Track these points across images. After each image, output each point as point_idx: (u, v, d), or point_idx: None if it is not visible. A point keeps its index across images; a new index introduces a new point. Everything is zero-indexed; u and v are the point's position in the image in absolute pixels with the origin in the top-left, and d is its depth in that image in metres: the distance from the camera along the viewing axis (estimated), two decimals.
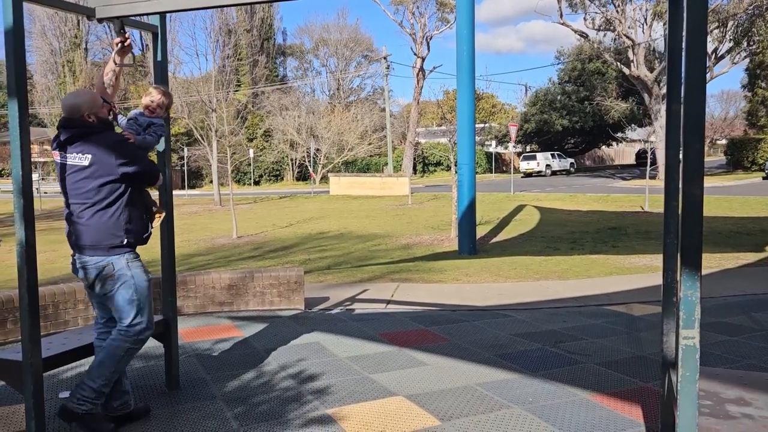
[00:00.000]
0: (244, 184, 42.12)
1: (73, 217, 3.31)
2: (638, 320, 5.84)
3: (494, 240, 12.65)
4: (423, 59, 35.73)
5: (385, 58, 40.24)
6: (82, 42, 45.51)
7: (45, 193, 34.87)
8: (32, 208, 3.14)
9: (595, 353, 4.78)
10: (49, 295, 5.39)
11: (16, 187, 3.08)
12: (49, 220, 21.54)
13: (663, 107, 28.62)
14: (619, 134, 38.76)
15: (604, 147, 53.84)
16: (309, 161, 38.75)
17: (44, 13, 42.55)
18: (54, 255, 12.57)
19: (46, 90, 44.42)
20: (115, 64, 3.52)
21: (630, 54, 29.81)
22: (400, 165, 40.19)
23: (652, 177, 19.66)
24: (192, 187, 40.18)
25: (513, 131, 28.76)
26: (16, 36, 2.99)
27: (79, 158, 3.24)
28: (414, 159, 40.74)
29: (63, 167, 3.28)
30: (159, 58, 3.94)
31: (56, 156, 3.32)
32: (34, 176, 38.18)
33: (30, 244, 3.09)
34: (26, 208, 3.08)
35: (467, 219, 10.83)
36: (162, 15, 3.84)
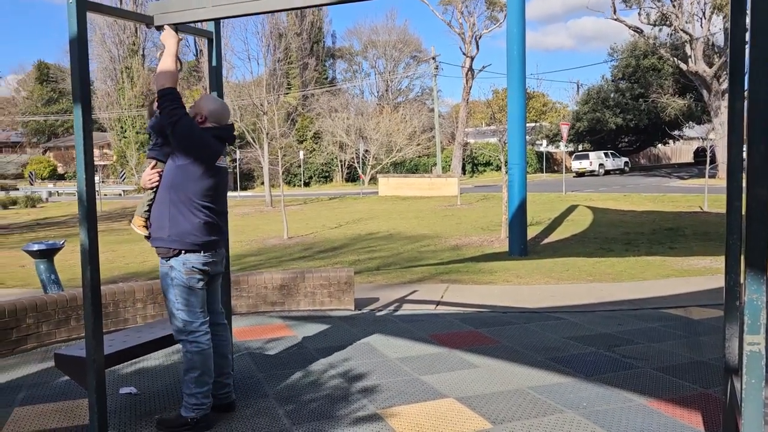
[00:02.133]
0: (295, 185, 42.70)
1: (223, 216, 3.61)
2: (697, 324, 5.64)
3: (546, 241, 12.45)
4: (472, 59, 35.48)
5: (433, 58, 40.14)
6: (139, 49, 47.07)
7: (105, 195, 36.22)
8: (95, 212, 3.27)
9: (652, 358, 4.64)
10: (110, 294, 5.58)
11: (79, 191, 3.20)
12: (108, 221, 22.35)
13: (723, 103, 27.60)
14: (676, 132, 37.52)
15: (660, 145, 52.23)
16: (358, 162, 38.99)
17: (104, 22, 44.16)
18: (113, 255, 13.04)
19: (105, 96, 46.08)
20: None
21: (687, 49, 28.86)
22: (449, 165, 40.00)
23: (712, 176, 18.96)
24: (244, 188, 40.98)
25: (564, 130, 28.21)
26: (80, 44, 3.12)
27: (223, 160, 3.57)
28: (463, 159, 40.49)
29: (219, 169, 3.51)
30: (214, 63, 4.04)
31: (221, 159, 3.54)
32: (95, 179, 39.69)
33: (92, 245, 3.20)
34: (89, 211, 3.20)
35: (518, 219, 10.69)
36: (216, 21, 3.94)
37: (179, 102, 3.38)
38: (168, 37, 3.51)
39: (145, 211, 3.56)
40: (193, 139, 3.37)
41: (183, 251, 3.38)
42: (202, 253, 3.43)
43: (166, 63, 3.46)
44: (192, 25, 3.76)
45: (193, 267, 3.40)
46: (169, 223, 3.38)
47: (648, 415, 3.56)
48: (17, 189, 40.98)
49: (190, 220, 3.38)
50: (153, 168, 3.57)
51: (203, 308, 3.49)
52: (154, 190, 3.53)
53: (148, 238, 3.54)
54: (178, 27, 3.60)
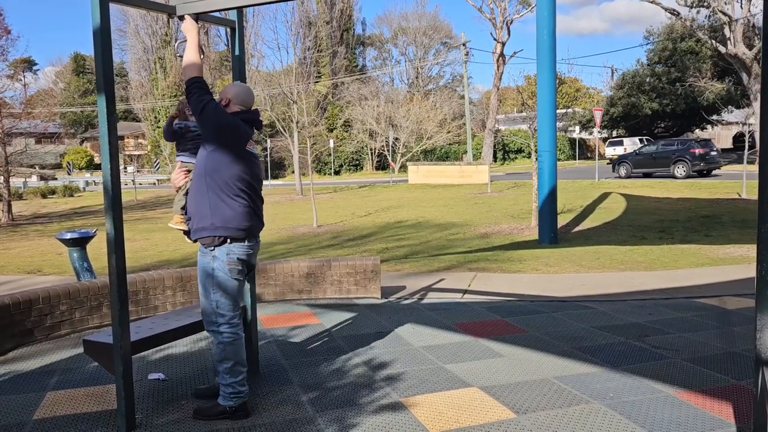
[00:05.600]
0: (325, 174, 42.88)
1: (260, 202, 3.57)
2: (732, 314, 5.50)
3: (577, 229, 12.27)
4: (503, 44, 34.96)
5: (464, 44, 39.70)
6: (171, 39, 47.58)
7: (140, 184, 36.89)
8: (120, 201, 3.31)
9: (683, 348, 4.54)
10: (140, 282, 5.68)
11: (104, 181, 3.24)
12: (143, 210, 22.79)
13: None
14: (714, 117, 36.48)
15: (697, 131, 50.89)
16: (388, 150, 38.93)
17: (137, 14, 44.77)
18: (147, 243, 13.28)
19: (139, 86, 46.82)
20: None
21: (726, 31, 27.96)
22: (480, 153, 39.64)
23: (751, 162, 18.34)
24: (275, 177, 41.32)
25: (598, 116, 27.68)
26: (103, 35, 3.14)
27: (253, 147, 3.58)
28: (494, 146, 40.03)
29: (251, 154, 3.53)
30: (237, 52, 4.04)
31: (251, 145, 3.56)
32: (130, 168, 40.45)
33: (118, 234, 3.25)
34: (114, 201, 3.24)
35: (548, 207, 10.55)
36: (239, 10, 3.94)
37: (206, 89, 3.41)
38: (189, 27, 3.53)
39: (182, 208, 3.60)
40: (221, 121, 3.38)
41: (228, 239, 3.37)
42: (246, 242, 3.44)
43: (190, 54, 3.48)
44: (215, 14, 3.77)
45: (237, 258, 3.42)
46: (210, 211, 3.36)
47: (676, 406, 3.49)
48: (56, 179, 41.99)
49: (232, 206, 3.37)
50: (181, 169, 3.64)
51: (237, 300, 3.53)
52: (185, 188, 3.59)
53: (187, 234, 3.58)
54: (199, 16, 3.61)
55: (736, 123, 43.66)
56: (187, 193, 3.57)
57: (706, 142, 25.48)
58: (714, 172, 25.06)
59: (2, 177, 20.33)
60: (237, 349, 3.44)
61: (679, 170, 23.96)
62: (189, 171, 3.61)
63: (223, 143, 3.37)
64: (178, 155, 3.78)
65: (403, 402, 3.63)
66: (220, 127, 3.37)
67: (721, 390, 3.72)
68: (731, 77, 35.02)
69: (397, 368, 4.22)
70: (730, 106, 36.26)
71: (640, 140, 40.28)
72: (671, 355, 4.40)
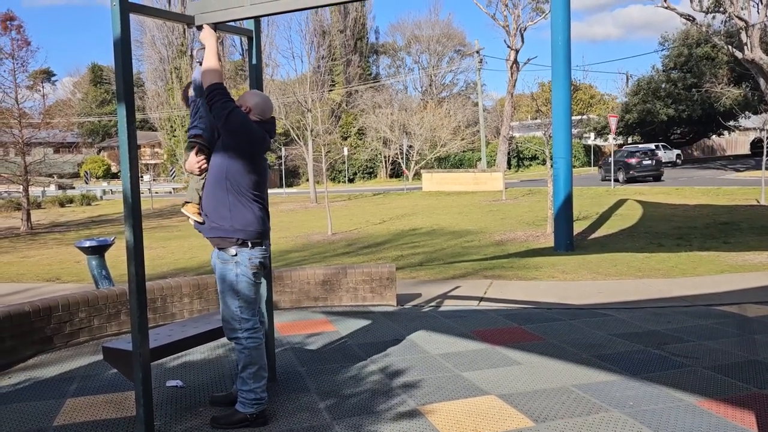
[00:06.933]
0: (339, 181, 42.97)
1: (266, 205, 3.60)
2: (752, 322, 5.43)
3: (593, 236, 12.19)
4: (517, 51, 34.92)
5: (477, 52, 39.70)
6: (187, 49, 48.04)
7: (156, 193, 37.20)
8: (140, 209, 3.34)
9: (703, 356, 4.48)
10: (158, 289, 5.72)
11: (124, 189, 3.27)
12: (160, 218, 22.96)
13: None
14: (732, 122, 36.10)
15: (714, 137, 50.42)
16: (402, 158, 38.95)
17: (154, 24, 45.28)
18: (163, 251, 13.38)
19: (156, 96, 47.27)
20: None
21: (743, 36, 27.72)
22: (494, 160, 39.51)
23: None
24: (289, 185, 41.48)
25: (613, 122, 27.53)
26: (123, 44, 3.19)
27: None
28: (508, 153, 39.93)
29: (265, 160, 3.63)
30: (254, 61, 4.08)
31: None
32: (146, 177, 40.84)
33: (137, 241, 3.28)
34: (134, 209, 3.27)
35: (563, 214, 10.49)
36: (256, 19, 3.97)
37: (229, 95, 3.43)
38: (207, 36, 3.57)
39: (200, 198, 3.57)
40: (247, 130, 3.42)
41: (246, 242, 3.40)
42: (262, 246, 3.49)
43: (210, 61, 3.51)
44: (232, 23, 3.81)
45: (260, 262, 3.46)
46: (230, 213, 3.39)
47: (698, 415, 3.45)
48: (73, 188, 42.49)
49: (251, 210, 3.43)
50: (198, 153, 3.58)
51: (258, 303, 3.55)
52: (203, 176, 3.55)
53: (199, 224, 3.57)
54: (217, 26, 3.65)
55: (754, 129, 43.19)
56: (203, 187, 3.56)
57: (646, 153, 28.37)
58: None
59: (21, 186, 20.61)
60: (261, 353, 3.48)
61: (621, 176, 27.16)
62: (207, 156, 3.55)
63: (246, 152, 3.43)
64: (192, 129, 3.61)
65: (421, 410, 3.62)
66: (245, 136, 3.42)
67: (742, 398, 3.67)
68: (748, 82, 34.67)
69: (413, 376, 4.20)
70: (747, 112, 35.90)
71: (656, 146, 40.00)
72: (691, 363, 4.35)
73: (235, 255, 3.40)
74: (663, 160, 30.57)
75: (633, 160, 27.59)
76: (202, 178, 3.56)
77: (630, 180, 27.01)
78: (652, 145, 35.49)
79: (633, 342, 4.89)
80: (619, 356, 4.53)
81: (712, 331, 5.16)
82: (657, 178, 27.39)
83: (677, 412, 3.48)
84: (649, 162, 27.70)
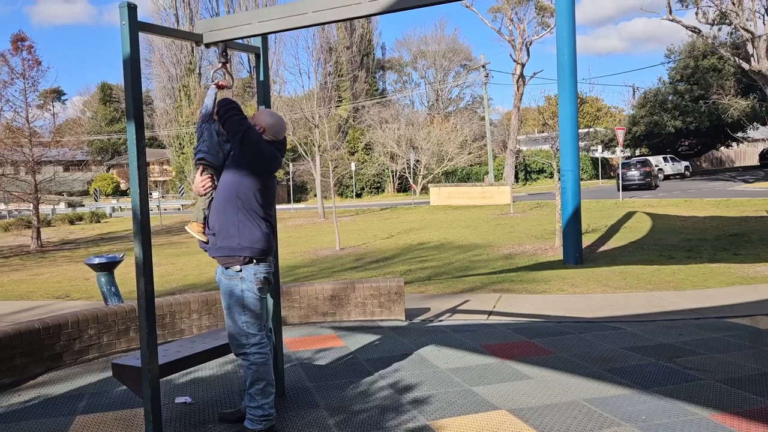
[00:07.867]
0: (347, 196, 43.05)
1: (273, 223, 3.65)
2: (765, 334, 5.37)
3: (602, 249, 12.13)
4: (523, 65, 35.06)
5: (483, 66, 39.85)
6: (195, 68, 48.51)
7: (165, 210, 37.38)
8: (149, 225, 3.36)
9: (715, 369, 4.44)
10: (166, 305, 5.73)
11: (133, 206, 3.29)
12: (168, 234, 23.04)
13: None
14: (740, 134, 35.95)
15: (722, 148, 50.24)
16: (409, 172, 39.02)
17: (162, 43, 45.78)
18: (172, 268, 13.41)
19: (164, 113, 47.68)
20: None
21: (749, 47, 27.72)
22: (501, 173, 39.54)
23: None
24: (297, 200, 41.58)
25: (620, 135, 27.51)
26: (133, 63, 3.22)
27: None
28: (515, 167, 39.95)
29: (275, 178, 3.69)
30: (261, 78, 4.12)
31: None
32: (155, 194, 41.09)
33: (146, 258, 3.29)
34: (143, 225, 3.29)
35: (572, 227, 10.46)
36: (263, 37, 4.01)
37: (242, 113, 3.45)
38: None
39: (204, 218, 3.60)
40: (262, 151, 3.45)
41: (252, 260, 3.41)
42: (267, 263, 3.50)
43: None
44: (240, 41, 3.84)
45: (264, 277, 3.47)
46: (238, 231, 3.40)
47: (711, 428, 3.40)
48: (83, 205, 42.75)
49: (259, 226, 3.44)
50: (202, 173, 3.59)
51: (263, 319, 3.55)
52: (209, 196, 3.57)
53: (204, 243, 3.57)
54: (226, 44, 3.70)
55: (762, 140, 43.03)
56: (208, 206, 3.56)
57: (636, 164, 30.76)
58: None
59: (32, 204, 20.76)
60: (268, 369, 3.47)
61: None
62: (211, 176, 3.56)
63: (258, 171, 3.46)
64: (197, 152, 3.61)
65: (431, 425, 3.59)
66: (259, 155, 3.45)
67: (757, 412, 3.62)
68: (756, 93, 34.61)
69: (423, 391, 4.18)
70: (755, 123, 35.77)
71: (664, 159, 39.92)
72: (704, 376, 4.30)
73: (240, 271, 3.41)
74: (655, 171, 32.22)
75: (624, 171, 29.21)
76: (209, 197, 3.57)
77: (625, 189, 28.01)
78: (644, 158, 36.10)
79: (644, 355, 4.84)
80: (631, 370, 4.49)
81: (724, 343, 5.11)
82: (649, 187, 29.53)
83: (691, 426, 3.44)
84: (637, 172, 30.00)
